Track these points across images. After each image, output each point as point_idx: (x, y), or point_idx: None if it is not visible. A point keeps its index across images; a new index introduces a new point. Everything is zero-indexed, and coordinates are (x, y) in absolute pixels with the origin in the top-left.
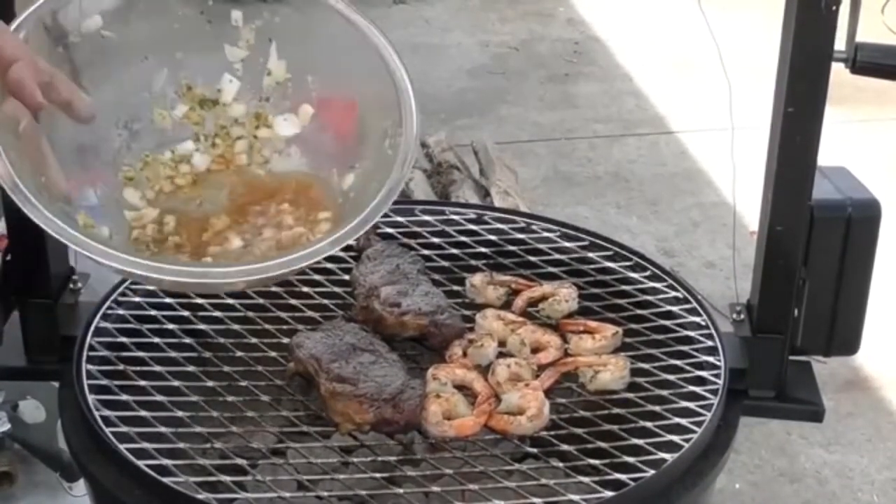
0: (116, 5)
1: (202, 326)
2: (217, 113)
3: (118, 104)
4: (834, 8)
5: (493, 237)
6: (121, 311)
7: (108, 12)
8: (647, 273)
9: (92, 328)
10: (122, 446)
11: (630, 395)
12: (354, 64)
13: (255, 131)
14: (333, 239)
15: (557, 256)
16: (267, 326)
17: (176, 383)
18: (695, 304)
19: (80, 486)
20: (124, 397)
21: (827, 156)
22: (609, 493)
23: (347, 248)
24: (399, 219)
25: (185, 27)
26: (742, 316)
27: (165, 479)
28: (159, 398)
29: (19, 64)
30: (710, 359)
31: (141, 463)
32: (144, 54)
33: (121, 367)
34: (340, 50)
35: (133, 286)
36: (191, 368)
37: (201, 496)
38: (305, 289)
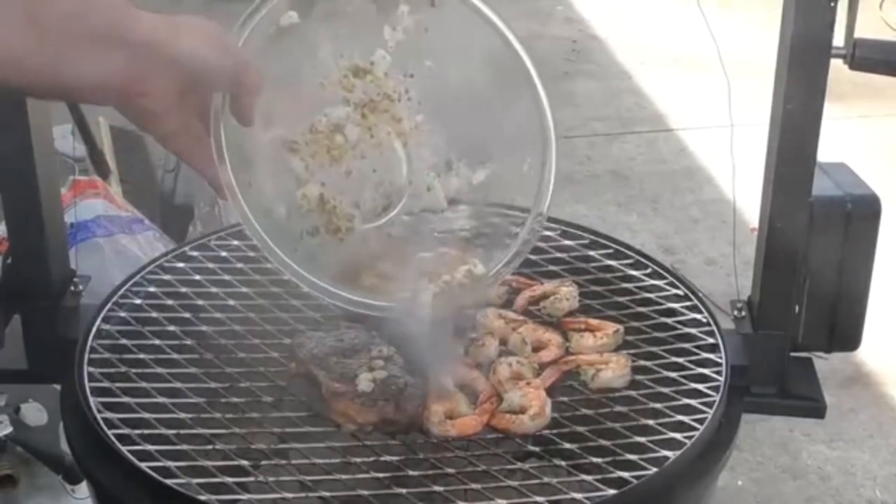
0: None
1: (203, 328)
2: (367, 84)
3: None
4: (832, 4)
5: None
6: (122, 314)
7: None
8: (648, 271)
9: (93, 330)
10: (124, 448)
11: (632, 393)
12: (499, 81)
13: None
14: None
15: (558, 255)
16: (268, 327)
17: (177, 385)
18: (696, 302)
19: (83, 489)
20: (126, 399)
21: (826, 152)
22: (611, 491)
23: None
24: None
25: (354, 13)
26: (743, 313)
27: (168, 481)
28: (161, 400)
29: (252, 79)
30: (712, 356)
31: (143, 465)
32: (316, 37)
33: (122, 369)
34: (490, 67)
35: (133, 289)
36: (192, 370)
37: (203, 497)
38: (306, 289)
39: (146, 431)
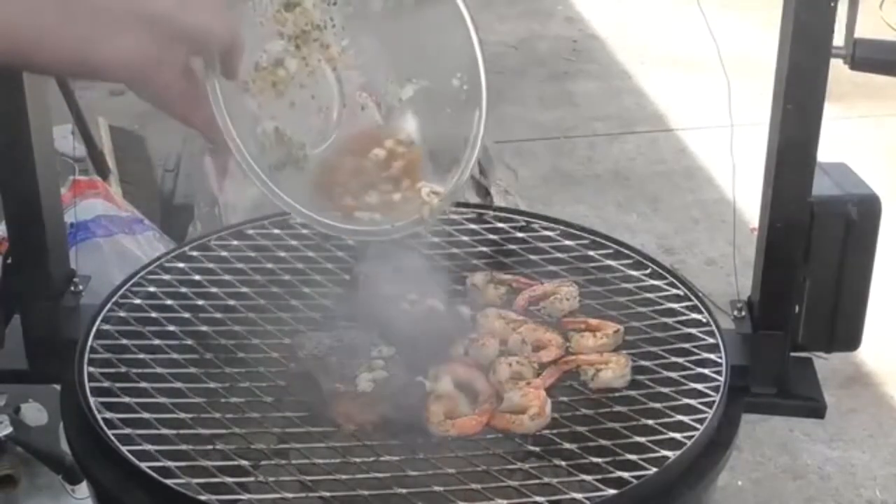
0: None
1: (203, 328)
2: (297, 17)
3: None
4: (832, 4)
5: (493, 236)
6: (122, 314)
7: None
8: (648, 271)
9: (93, 330)
10: (124, 448)
11: (632, 393)
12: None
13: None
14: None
15: (558, 255)
16: (268, 327)
17: (178, 385)
18: (696, 302)
19: (83, 489)
20: (126, 399)
21: (826, 152)
22: (611, 491)
23: (347, 248)
24: None
25: None
26: (743, 313)
27: (168, 481)
28: (161, 400)
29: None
30: (712, 356)
31: (143, 465)
32: None
33: (122, 369)
34: None
35: (133, 288)
36: (192, 370)
37: (203, 497)
38: (306, 289)
39: (146, 431)
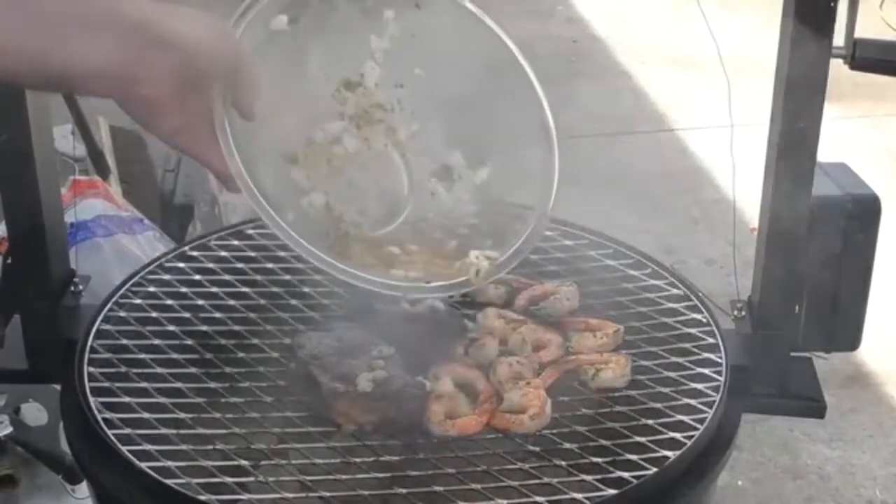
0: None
1: (203, 328)
2: (360, 97)
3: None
4: (832, 4)
5: None
6: (122, 314)
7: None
8: (648, 271)
9: (93, 330)
10: (124, 448)
11: (632, 393)
12: (499, 86)
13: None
14: (505, 259)
15: (558, 255)
16: (268, 327)
17: (178, 385)
18: (696, 302)
19: (83, 489)
20: (126, 399)
21: (826, 152)
22: (612, 491)
23: None
24: None
25: (342, 19)
26: (743, 313)
27: (168, 481)
28: (161, 400)
29: (251, 71)
30: (712, 356)
31: (143, 464)
32: (305, 48)
33: (122, 369)
34: (483, 67)
35: (133, 288)
36: (192, 370)
37: (203, 497)
38: (306, 289)
39: (146, 431)
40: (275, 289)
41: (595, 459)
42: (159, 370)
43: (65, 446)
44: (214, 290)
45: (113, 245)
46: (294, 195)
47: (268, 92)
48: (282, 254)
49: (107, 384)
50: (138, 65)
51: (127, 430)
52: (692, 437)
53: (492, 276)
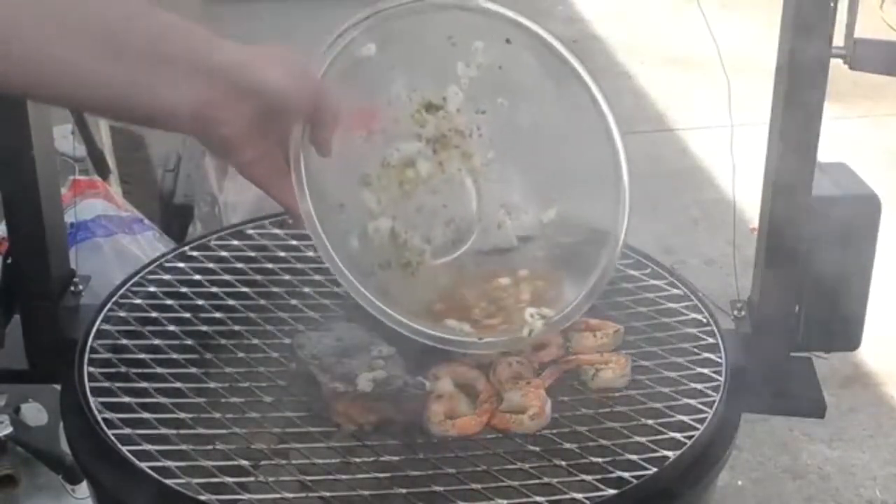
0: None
1: (203, 328)
2: (439, 120)
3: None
4: (832, 4)
5: None
6: (122, 314)
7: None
8: (648, 271)
9: (93, 330)
10: (124, 448)
11: (632, 393)
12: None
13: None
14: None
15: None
16: (268, 327)
17: (178, 385)
18: (695, 302)
19: (83, 489)
20: (126, 399)
21: (826, 152)
22: (611, 491)
23: None
24: None
25: (430, 47)
26: (743, 313)
27: (168, 481)
28: (161, 400)
29: (331, 110)
30: (712, 356)
31: (143, 464)
32: (391, 71)
33: (122, 369)
34: (564, 106)
35: (133, 288)
36: (192, 370)
37: (203, 497)
38: (306, 289)
39: (146, 431)
40: (275, 289)
41: (595, 459)
42: (159, 370)
43: (65, 446)
44: (214, 290)
45: (113, 245)
46: (361, 221)
47: (349, 119)
48: (282, 254)
49: (107, 384)
50: (221, 108)
51: (127, 430)
52: (692, 437)
53: (543, 334)
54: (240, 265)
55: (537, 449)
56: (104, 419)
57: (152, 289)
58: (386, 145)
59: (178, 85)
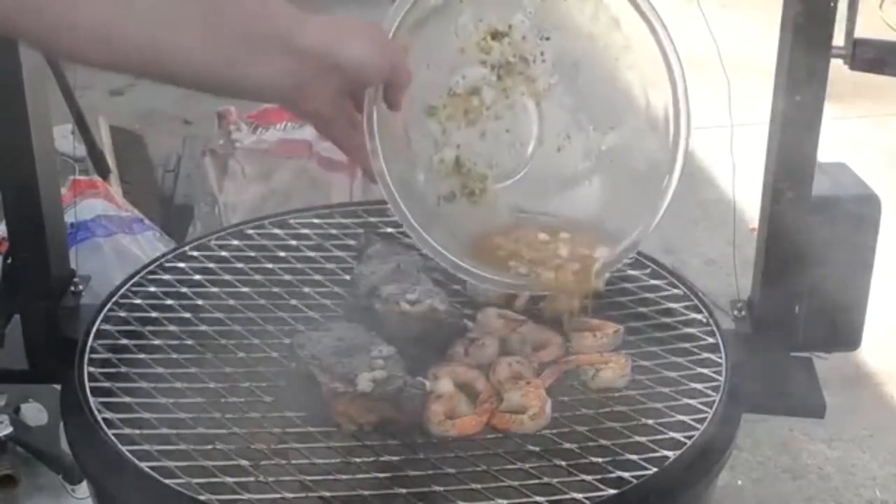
0: None
1: (203, 328)
2: (504, 47)
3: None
4: (832, 4)
5: None
6: (122, 314)
7: None
8: (648, 271)
9: (93, 330)
10: (124, 448)
11: (632, 393)
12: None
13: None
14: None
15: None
16: (268, 327)
17: (178, 384)
18: (696, 302)
19: (83, 489)
20: (126, 399)
21: (826, 152)
22: (612, 491)
23: (347, 248)
24: None
25: None
26: (743, 313)
27: (168, 481)
28: (161, 400)
29: (404, 71)
30: (712, 356)
31: (143, 464)
32: (459, 4)
33: (122, 368)
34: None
35: (133, 288)
36: (192, 370)
37: (203, 497)
38: (306, 289)
39: (146, 431)
40: (275, 289)
41: (595, 459)
42: (159, 370)
43: (65, 446)
44: (214, 290)
45: (113, 245)
46: (426, 154)
47: (419, 58)
48: (282, 254)
49: (107, 384)
50: (307, 86)
51: (127, 430)
52: (692, 437)
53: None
54: (240, 265)
55: (537, 449)
56: (104, 419)
57: (152, 289)
58: (451, 74)
59: (269, 63)
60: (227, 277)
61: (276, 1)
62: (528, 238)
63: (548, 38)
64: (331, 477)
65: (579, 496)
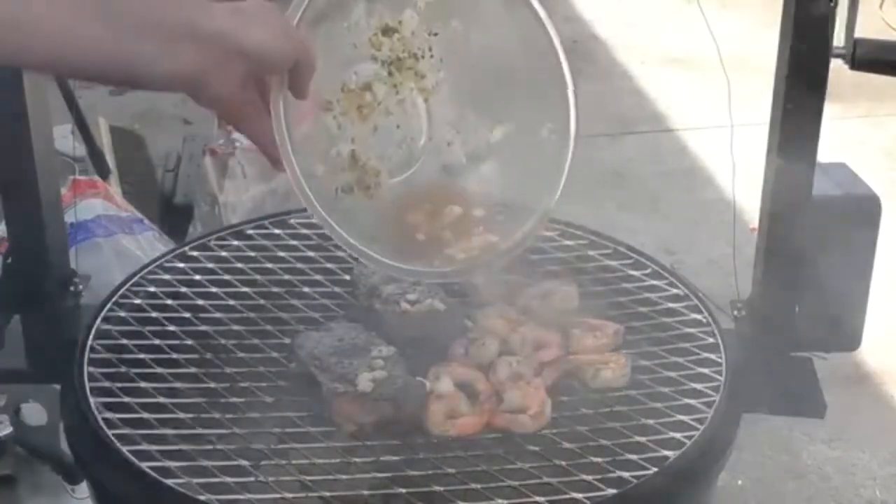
0: None
1: (203, 327)
2: (395, 42)
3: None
4: (832, 4)
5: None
6: (122, 314)
7: None
8: (648, 271)
9: (93, 330)
10: (124, 448)
11: (632, 393)
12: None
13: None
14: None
15: (558, 255)
16: (268, 327)
17: (177, 385)
18: (695, 302)
19: (83, 489)
20: (126, 399)
21: (826, 152)
22: (612, 491)
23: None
24: None
25: None
26: (743, 313)
27: (168, 481)
28: (161, 400)
29: (310, 60)
30: (712, 356)
31: (143, 464)
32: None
33: (122, 368)
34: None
35: (133, 288)
36: (192, 370)
37: (203, 497)
38: (306, 289)
39: (146, 431)
40: (275, 289)
41: (595, 459)
42: (159, 370)
43: (65, 446)
44: (214, 290)
45: (113, 245)
46: (324, 148)
47: (317, 49)
48: (282, 254)
49: (107, 384)
50: (212, 72)
51: (127, 430)
52: (692, 437)
53: (493, 260)
54: (240, 265)
55: (537, 449)
56: (104, 419)
57: (152, 289)
58: (344, 70)
59: (170, 51)
60: (227, 277)
61: None
62: (444, 213)
63: (436, 34)
64: (331, 477)
65: (579, 496)
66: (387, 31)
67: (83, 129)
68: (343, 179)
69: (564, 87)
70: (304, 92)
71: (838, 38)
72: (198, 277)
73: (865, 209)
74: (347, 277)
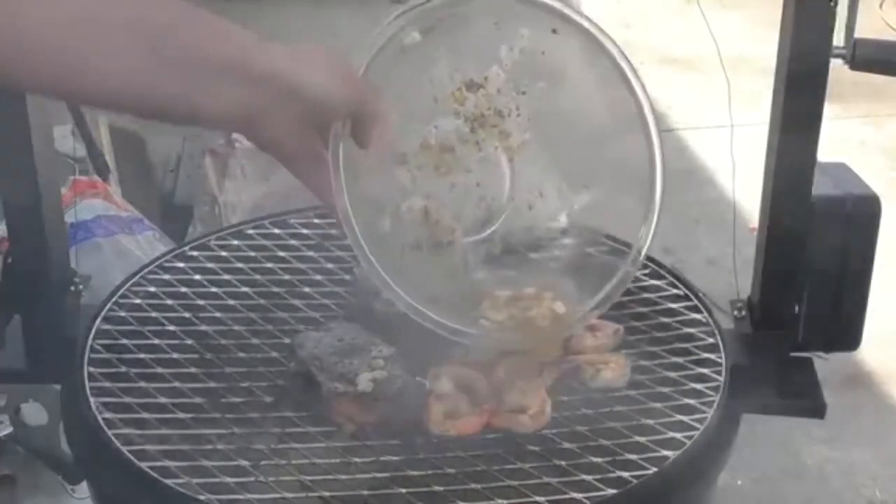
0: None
1: (203, 327)
2: (479, 98)
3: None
4: (832, 4)
5: None
6: (122, 314)
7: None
8: (648, 270)
9: (93, 330)
10: (123, 448)
11: (632, 393)
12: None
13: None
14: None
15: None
16: (268, 327)
17: (177, 385)
18: (695, 301)
19: (83, 489)
20: (126, 399)
21: (826, 152)
22: (612, 491)
23: (347, 248)
24: None
25: (475, 31)
26: (743, 313)
27: (167, 481)
28: (161, 400)
29: (373, 109)
30: (712, 356)
31: (143, 464)
32: (434, 52)
33: (122, 369)
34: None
35: (133, 288)
36: (192, 370)
37: (203, 497)
38: (306, 289)
39: (146, 431)
40: (275, 289)
41: (595, 459)
42: (159, 370)
43: (65, 446)
44: (214, 290)
45: (113, 245)
46: (393, 200)
47: (390, 102)
48: (282, 254)
49: (107, 384)
50: (265, 113)
51: (126, 430)
52: (692, 437)
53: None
54: (240, 265)
55: (537, 449)
56: (104, 419)
57: (152, 289)
58: (423, 124)
59: (225, 91)
60: (227, 277)
61: (234, 27)
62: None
63: (524, 93)
64: (331, 477)
65: (579, 496)
66: (471, 86)
67: (83, 129)
68: (412, 236)
69: (654, 165)
70: (366, 142)
71: (838, 38)
72: (198, 277)
73: (865, 209)
74: (347, 277)
